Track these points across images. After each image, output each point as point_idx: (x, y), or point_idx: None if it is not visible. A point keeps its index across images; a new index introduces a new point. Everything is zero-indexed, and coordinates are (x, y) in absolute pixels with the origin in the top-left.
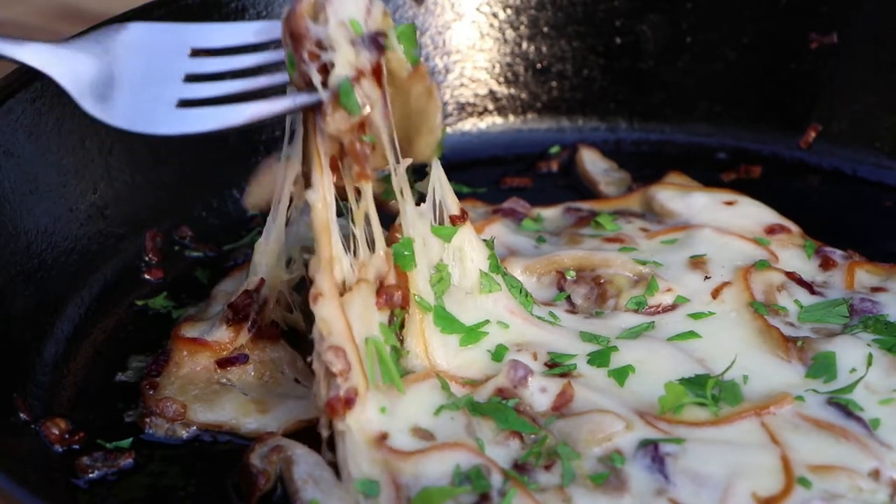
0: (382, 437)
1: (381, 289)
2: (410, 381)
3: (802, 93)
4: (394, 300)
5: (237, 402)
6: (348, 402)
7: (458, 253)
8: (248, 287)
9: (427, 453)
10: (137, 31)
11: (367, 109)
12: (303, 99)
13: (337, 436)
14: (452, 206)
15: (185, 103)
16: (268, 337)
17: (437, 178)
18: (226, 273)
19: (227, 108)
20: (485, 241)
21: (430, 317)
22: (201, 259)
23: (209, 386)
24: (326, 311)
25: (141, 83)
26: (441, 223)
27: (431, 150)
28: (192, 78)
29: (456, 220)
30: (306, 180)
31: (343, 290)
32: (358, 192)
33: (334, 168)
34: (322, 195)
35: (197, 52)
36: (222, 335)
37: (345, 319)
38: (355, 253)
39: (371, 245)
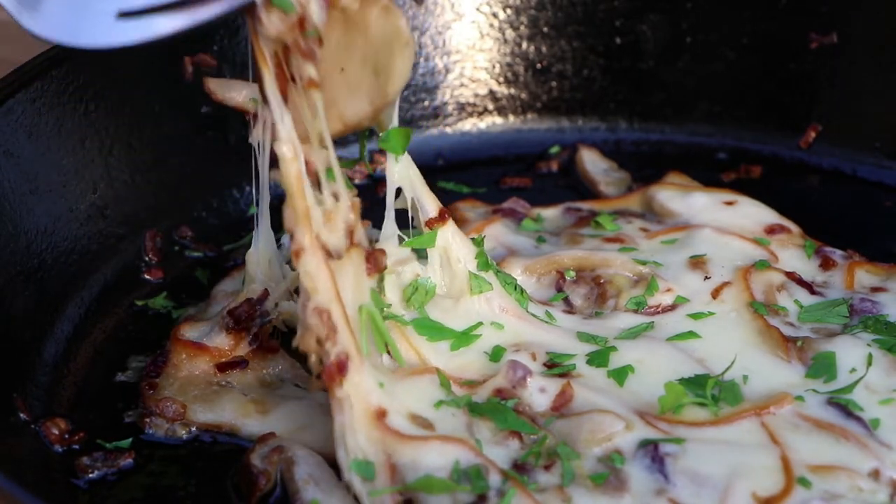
0: (381, 415)
1: (368, 254)
2: (409, 372)
3: (802, 93)
4: (381, 264)
5: (237, 402)
6: (340, 367)
7: (443, 255)
8: (249, 296)
9: (427, 441)
10: None
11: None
12: (238, 0)
13: (335, 405)
14: (430, 207)
15: (126, 15)
16: (268, 349)
17: (410, 180)
18: (226, 273)
19: (161, 17)
20: (473, 238)
21: (410, 328)
22: (201, 259)
23: (209, 386)
24: (310, 264)
25: None
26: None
27: (409, 67)
28: None
29: (433, 224)
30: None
31: (324, 249)
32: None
33: (281, 78)
34: (291, 144)
35: None
36: (222, 342)
37: (330, 274)
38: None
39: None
